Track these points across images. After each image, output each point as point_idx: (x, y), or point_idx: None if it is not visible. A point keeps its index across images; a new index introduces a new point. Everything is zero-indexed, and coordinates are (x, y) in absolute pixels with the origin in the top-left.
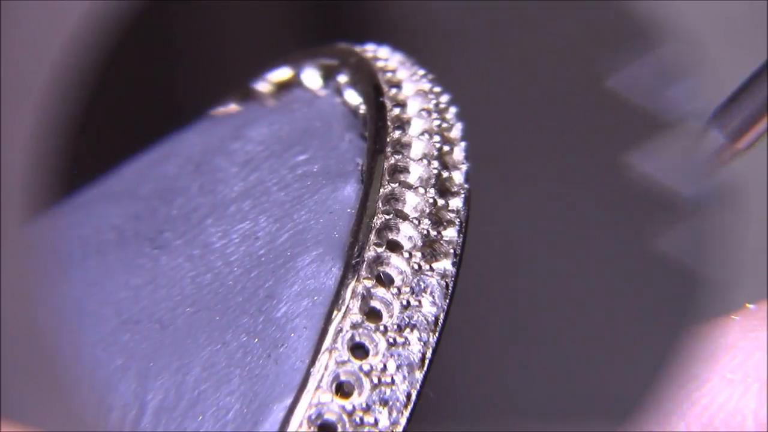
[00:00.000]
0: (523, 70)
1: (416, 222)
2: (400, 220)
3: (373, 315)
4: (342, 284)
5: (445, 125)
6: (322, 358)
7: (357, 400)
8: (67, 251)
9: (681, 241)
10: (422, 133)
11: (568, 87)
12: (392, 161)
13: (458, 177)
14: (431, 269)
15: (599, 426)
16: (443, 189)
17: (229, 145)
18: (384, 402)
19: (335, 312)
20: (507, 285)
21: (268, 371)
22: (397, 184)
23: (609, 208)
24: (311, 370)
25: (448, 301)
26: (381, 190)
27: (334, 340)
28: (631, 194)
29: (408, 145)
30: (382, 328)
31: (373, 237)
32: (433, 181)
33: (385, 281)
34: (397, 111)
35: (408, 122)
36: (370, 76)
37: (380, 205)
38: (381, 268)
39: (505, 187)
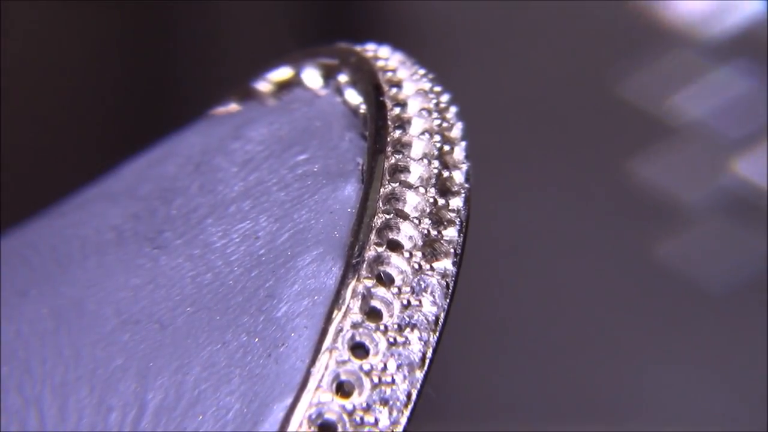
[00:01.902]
0: (524, 70)
1: (417, 221)
2: (401, 220)
3: (373, 314)
4: (342, 284)
5: (445, 125)
6: (323, 358)
7: (357, 399)
8: (66, 251)
9: (681, 247)
10: (422, 133)
11: (570, 88)
12: (392, 161)
13: (458, 176)
14: (431, 269)
15: (599, 426)
16: (444, 189)
17: (229, 145)
18: (384, 401)
19: (335, 311)
20: (507, 284)
21: (269, 371)
22: (397, 184)
23: (610, 209)
24: (311, 369)
25: (448, 300)
26: (381, 190)
27: (335, 340)
28: (633, 197)
29: (408, 145)
30: (382, 327)
31: (373, 236)
32: (433, 180)
33: (386, 281)
34: (397, 110)
35: (408, 122)
36: (371, 75)
37: (380, 205)
38: (381, 268)
39: (506, 187)
